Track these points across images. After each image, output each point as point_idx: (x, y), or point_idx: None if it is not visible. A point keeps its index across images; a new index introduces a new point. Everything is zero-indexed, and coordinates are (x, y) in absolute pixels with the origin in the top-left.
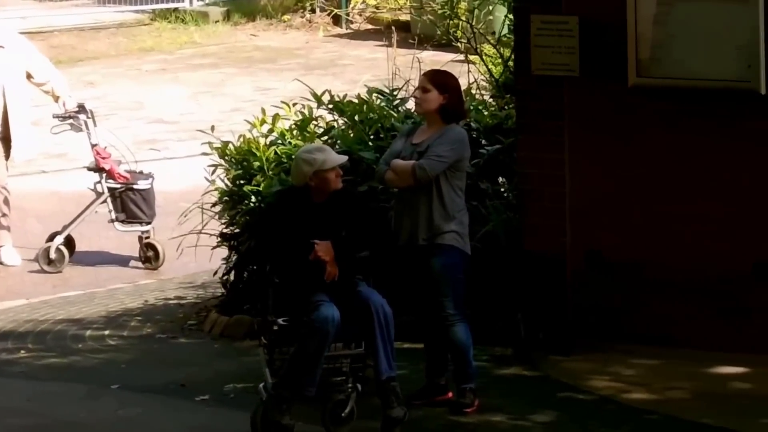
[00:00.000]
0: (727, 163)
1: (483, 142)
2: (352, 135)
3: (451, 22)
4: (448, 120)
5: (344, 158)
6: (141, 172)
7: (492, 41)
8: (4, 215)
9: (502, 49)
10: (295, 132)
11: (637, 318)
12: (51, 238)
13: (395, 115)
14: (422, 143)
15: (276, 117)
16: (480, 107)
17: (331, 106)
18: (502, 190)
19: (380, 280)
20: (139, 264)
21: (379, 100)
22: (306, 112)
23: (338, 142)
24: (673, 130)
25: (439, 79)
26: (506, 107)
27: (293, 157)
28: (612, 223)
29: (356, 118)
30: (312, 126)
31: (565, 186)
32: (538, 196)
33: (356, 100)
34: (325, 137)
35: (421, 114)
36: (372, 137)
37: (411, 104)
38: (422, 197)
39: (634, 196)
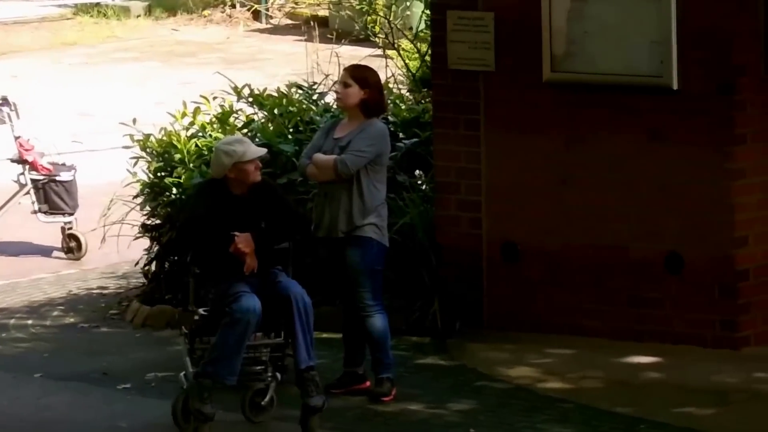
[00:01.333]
0: (638, 157)
1: (400, 135)
2: (271, 128)
3: (369, 17)
4: (369, 114)
5: (264, 151)
6: (64, 164)
7: (409, 36)
8: None
9: (419, 44)
10: (215, 125)
11: (552, 308)
12: None
13: (314, 108)
14: (343, 138)
15: (197, 110)
16: (397, 101)
17: (251, 99)
18: (419, 182)
19: (300, 271)
20: (62, 254)
21: (298, 94)
22: (226, 105)
23: (258, 135)
24: (586, 125)
25: (360, 74)
26: (423, 101)
27: (213, 149)
28: (526, 215)
29: (276, 111)
30: (232, 119)
31: (480, 179)
32: (454, 189)
33: (276, 94)
34: (245, 130)
35: (341, 108)
36: (291, 130)
37: (330, 98)
38: (342, 190)
39: (548, 188)
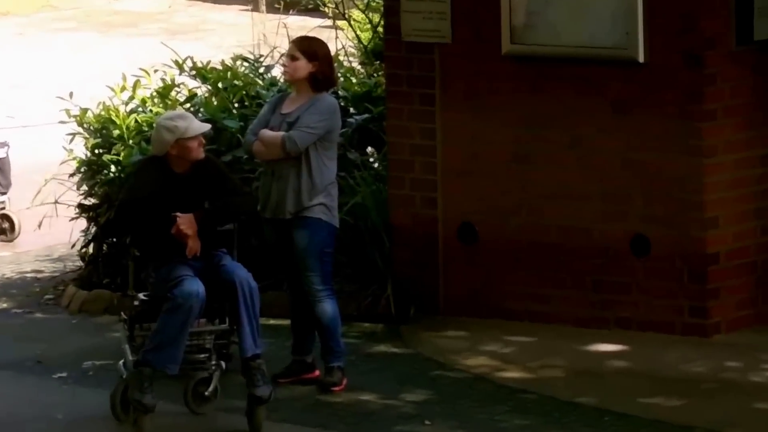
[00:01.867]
0: (602, 133)
1: (351, 110)
2: (215, 103)
3: None
4: (318, 89)
5: (207, 126)
6: None
7: (361, 6)
8: None
9: (371, 14)
10: (156, 99)
11: (512, 294)
12: None
13: (260, 82)
14: (292, 113)
15: (137, 84)
16: (348, 75)
17: (193, 72)
18: (372, 160)
19: (245, 254)
20: None
21: (243, 67)
22: (168, 79)
23: (201, 110)
24: (547, 100)
25: (307, 47)
26: (375, 75)
27: (154, 125)
28: (484, 194)
29: (220, 85)
30: (174, 93)
31: (436, 156)
32: (408, 167)
33: (220, 67)
34: (188, 105)
35: (289, 83)
36: (236, 105)
37: (277, 71)
38: (290, 169)
39: (507, 166)
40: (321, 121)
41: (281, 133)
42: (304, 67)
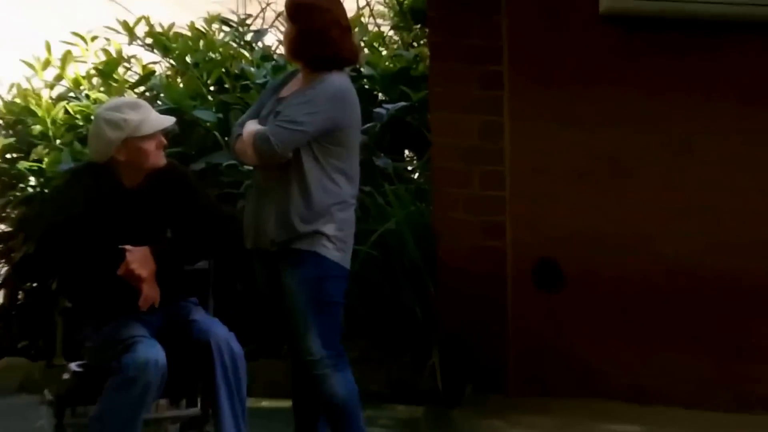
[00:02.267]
0: (739, 135)
1: (380, 97)
2: (181, 85)
3: None
4: (317, 67)
5: (170, 120)
6: None
7: None
8: None
9: None
10: (95, 80)
11: (610, 361)
12: None
13: (247, 55)
14: (287, 98)
15: (67, 56)
16: (375, 45)
17: (149, 41)
18: (410, 168)
19: (226, 305)
20: None
21: (223, 34)
22: (112, 49)
23: (161, 95)
24: (661, 80)
25: (300, 7)
26: (415, 44)
27: (93, 117)
28: (572, 219)
29: (188, 59)
30: (121, 71)
31: (503, 163)
32: (462, 179)
33: (188, 33)
34: (141, 88)
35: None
36: (213, 89)
37: (273, 39)
38: (277, 181)
39: (604, 179)
40: (312, 113)
41: (257, 128)
42: (289, 33)
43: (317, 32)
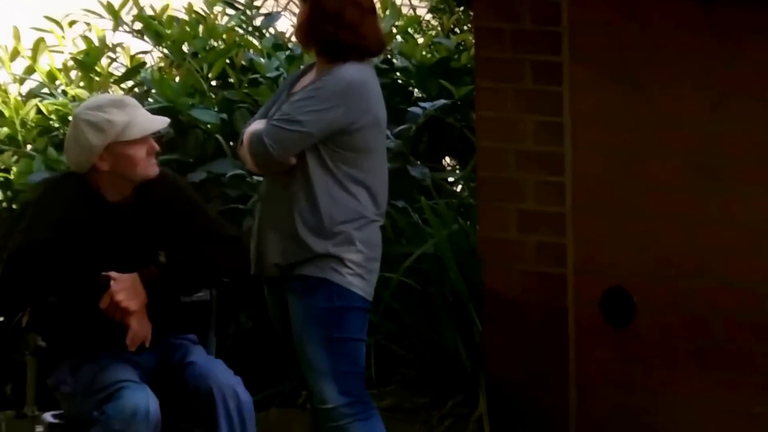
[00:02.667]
0: None
1: (416, 93)
2: (177, 79)
3: None
4: (332, 56)
5: (164, 121)
6: None
7: None
8: None
9: None
10: (73, 73)
11: (699, 408)
12: None
13: (256, 44)
14: (295, 94)
15: (39, 45)
16: (410, 31)
17: (138, 26)
18: (451, 179)
19: (231, 345)
20: None
21: (227, 17)
22: (94, 37)
23: (152, 92)
24: (759, 70)
25: None
26: (457, 30)
27: (70, 118)
28: (648, 238)
29: (185, 48)
30: (105, 62)
31: (563, 172)
32: (514, 191)
33: (185, 17)
34: (129, 83)
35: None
36: (214, 84)
37: (286, 24)
38: (280, 192)
39: (686, 190)
40: (315, 111)
41: (253, 129)
42: (302, 15)
43: (331, 14)
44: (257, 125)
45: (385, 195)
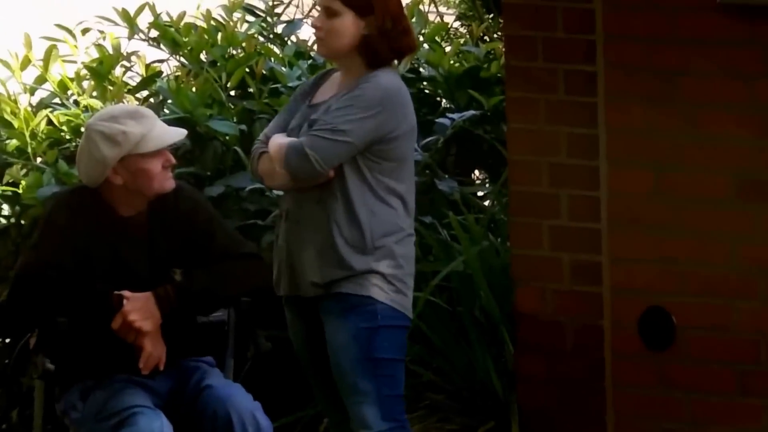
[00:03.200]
0: None
1: (443, 103)
2: (194, 89)
3: None
4: (377, 62)
5: (181, 133)
6: None
7: None
8: None
9: None
10: (86, 83)
11: None
12: None
13: (277, 52)
14: (322, 104)
15: (51, 53)
16: (437, 39)
17: (154, 34)
18: (481, 194)
19: (250, 368)
20: None
21: (246, 25)
22: (108, 45)
23: (168, 102)
24: None
25: None
26: (486, 38)
27: (83, 130)
28: (688, 257)
29: (203, 57)
30: (119, 71)
31: (598, 187)
32: (547, 207)
33: (203, 24)
34: (144, 93)
35: (324, 57)
36: (233, 94)
37: (307, 33)
38: (314, 207)
39: (730, 204)
40: (358, 119)
41: (287, 141)
42: (348, 27)
43: (386, 20)
44: (281, 139)
45: (414, 208)
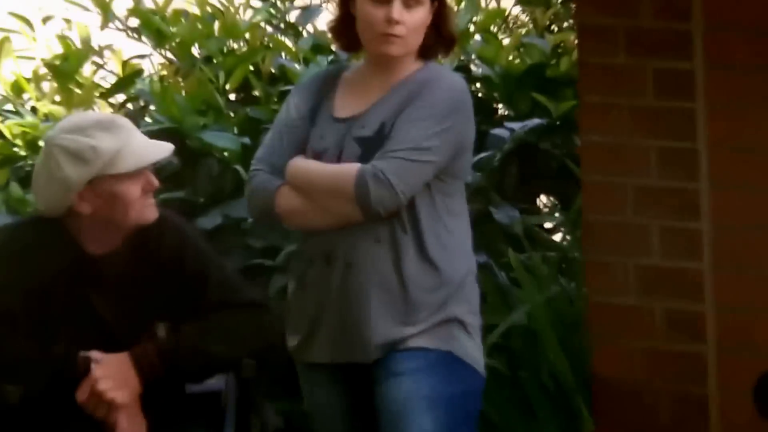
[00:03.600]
0: None
1: (500, 109)
2: (184, 92)
3: None
4: (426, 54)
5: (166, 148)
6: None
7: None
8: None
9: None
10: (47, 84)
11: None
12: None
13: (290, 45)
14: (364, 116)
15: (2, 47)
16: (492, 29)
17: (134, 22)
18: (549, 226)
19: None
20: None
21: (251, 12)
22: (75, 36)
23: (151, 108)
24: None
25: None
26: (554, 28)
27: (42, 144)
28: None
29: (195, 51)
30: (88, 70)
31: (699, 215)
32: (633, 241)
33: (196, 10)
34: (121, 97)
35: (395, 56)
36: (234, 97)
37: (323, 20)
38: (375, 247)
39: None
40: (439, 131)
41: (353, 168)
42: (427, 17)
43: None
44: (315, 164)
45: None
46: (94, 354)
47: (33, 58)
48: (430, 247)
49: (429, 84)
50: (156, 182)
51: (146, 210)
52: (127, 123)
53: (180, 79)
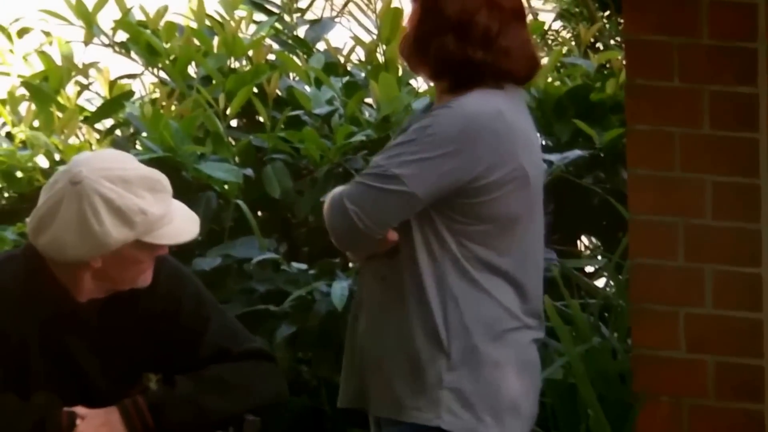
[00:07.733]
0: None
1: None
2: (179, 118)
3: None
4: (457, 81)
5: (197, 224)
6: None
7: None
8: None
9: None
10: (24, 106)
11: None
12: None
13: (299, 63)
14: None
15: None
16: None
17: (122, 37)
18: (590, 270)
19: None
20: None
21: (254, 26)
22: (56, 52)
23: (142, 135)
24: None
25: None
26: (599, 45)
27: (74, 183)
28: None
29: (191, 70)
30: (71, 90)
31: (760, 259)
32: (685, 289)
33: (192, 23)
34: (108, 122)
35: None
36: (234, 124)
37: (347, 34)
38: (377, 287)
39: None
40: (416, 159)
41: (337, 189)
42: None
43: (454, 20)
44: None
45: (540, 289)
46: (79, 410)
47: (8, 74)
48: (429, 294)
49: (436, 109)
50: (166, 250)
51: (147, 275)
52: (167, 185)
53: (174, 103)
